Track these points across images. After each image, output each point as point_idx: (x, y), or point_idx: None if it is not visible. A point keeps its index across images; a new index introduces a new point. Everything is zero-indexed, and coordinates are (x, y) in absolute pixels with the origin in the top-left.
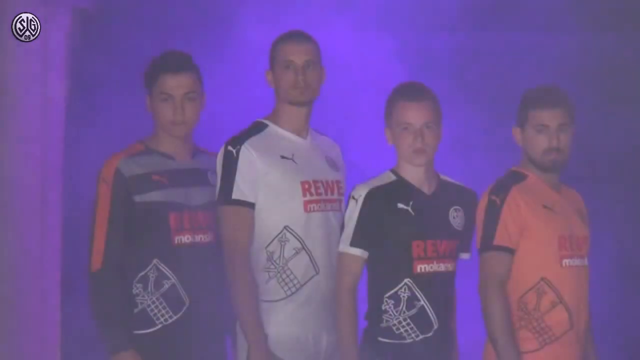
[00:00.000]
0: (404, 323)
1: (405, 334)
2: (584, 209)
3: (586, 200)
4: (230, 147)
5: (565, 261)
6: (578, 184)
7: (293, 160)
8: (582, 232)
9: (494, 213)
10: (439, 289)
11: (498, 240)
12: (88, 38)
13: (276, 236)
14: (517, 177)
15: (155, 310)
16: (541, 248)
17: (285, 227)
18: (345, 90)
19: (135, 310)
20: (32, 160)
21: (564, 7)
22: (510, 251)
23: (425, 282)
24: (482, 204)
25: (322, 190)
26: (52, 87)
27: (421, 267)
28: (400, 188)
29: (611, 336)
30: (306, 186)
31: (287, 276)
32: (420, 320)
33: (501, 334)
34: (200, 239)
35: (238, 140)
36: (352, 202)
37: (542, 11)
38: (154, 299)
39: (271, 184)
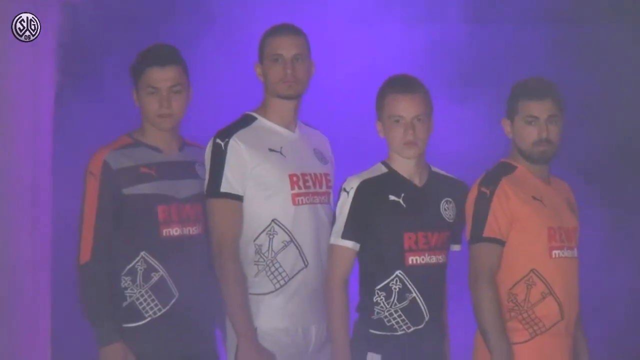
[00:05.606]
0: (395, 315)
1: (396, 326)
2: (573, 200)
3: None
4: (218, 140)
5: (555, 252)
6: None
7: (281, 153)
8: (572, 223)
9: (483, 204)
10: (430, 280)
11: (488, 232)
12: (78, 33)
13: (264, 229)
14: (506, 169)
15: (144, 303)
16: (531, 239)
17: (273, 220)
18: (336, 82)
19: (124, 304)
20: (22, 156)
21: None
22: (500, 242)
23: (417, 274)
24: (472, 195)
25: (310, 183)
26: (42, 82)
27: (412, 259)
28: (392, 180)
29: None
30: (294, 179)
31: (276, 269)
32: (411, 312)
33: (491, 325)
34: (189, 231)
35: (226, 133)
36: (343, 194)
37: (536, 4)
38: (143, 291)
39: (259, 176)
